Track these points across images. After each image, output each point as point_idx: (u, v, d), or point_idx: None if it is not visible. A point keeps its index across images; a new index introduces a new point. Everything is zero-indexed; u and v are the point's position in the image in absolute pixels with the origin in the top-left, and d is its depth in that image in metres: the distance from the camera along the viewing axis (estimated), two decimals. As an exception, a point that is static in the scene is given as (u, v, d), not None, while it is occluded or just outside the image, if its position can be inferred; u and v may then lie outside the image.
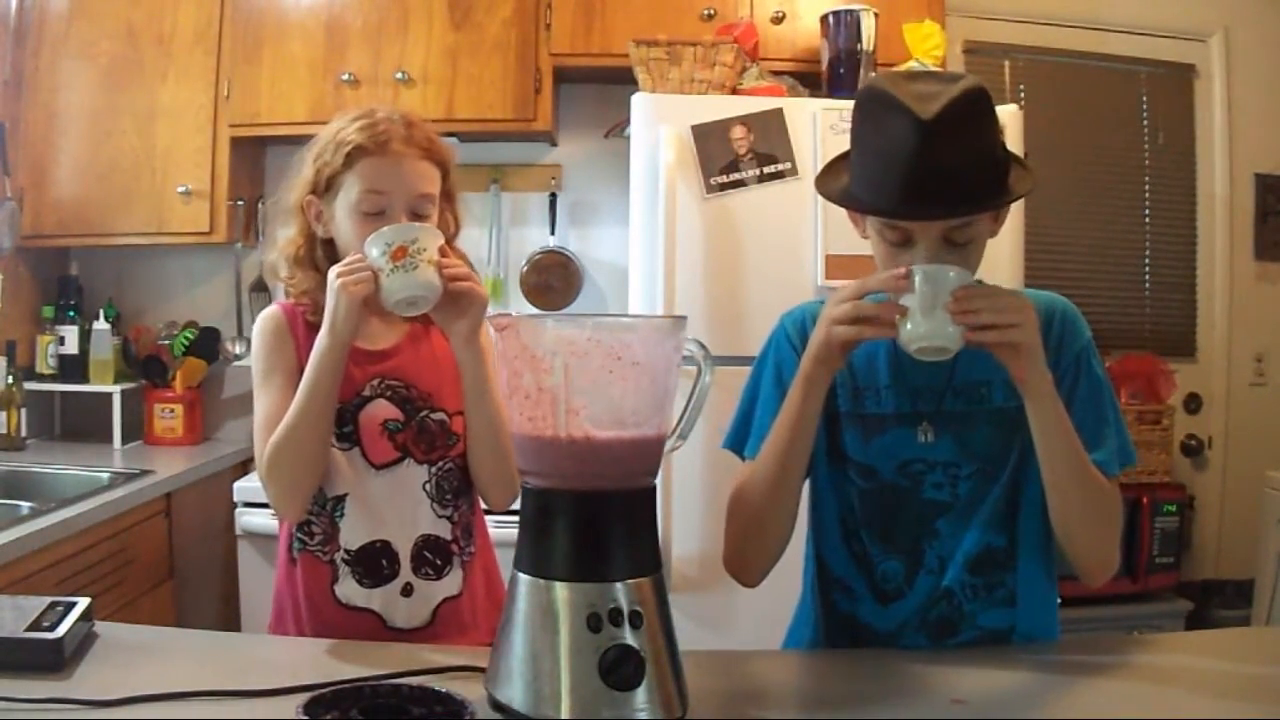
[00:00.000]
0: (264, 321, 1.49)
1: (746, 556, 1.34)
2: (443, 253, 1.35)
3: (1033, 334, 1.17)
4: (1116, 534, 1.30)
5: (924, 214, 1.20)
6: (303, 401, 1.37)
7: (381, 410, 1.46)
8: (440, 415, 1.48)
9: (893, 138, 1.17)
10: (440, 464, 1.48)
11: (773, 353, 1.40)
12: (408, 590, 1.45)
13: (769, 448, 1.29)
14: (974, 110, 1.19)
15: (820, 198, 2.48)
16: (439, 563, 1.47)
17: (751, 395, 1.42)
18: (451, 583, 1.48)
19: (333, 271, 1.35)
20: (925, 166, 1.16)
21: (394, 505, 1.45)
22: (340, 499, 1.45)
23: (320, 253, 1.48)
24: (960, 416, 1.31)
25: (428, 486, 1.47)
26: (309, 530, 1.46)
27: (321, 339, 1.36)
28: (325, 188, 1.45)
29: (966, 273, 1.19)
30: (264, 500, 2.54)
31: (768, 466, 1.29)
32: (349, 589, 1.44)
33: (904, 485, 1.32)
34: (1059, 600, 1.38)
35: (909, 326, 1.16)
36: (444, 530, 1.48)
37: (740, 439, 1.40)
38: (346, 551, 1.44)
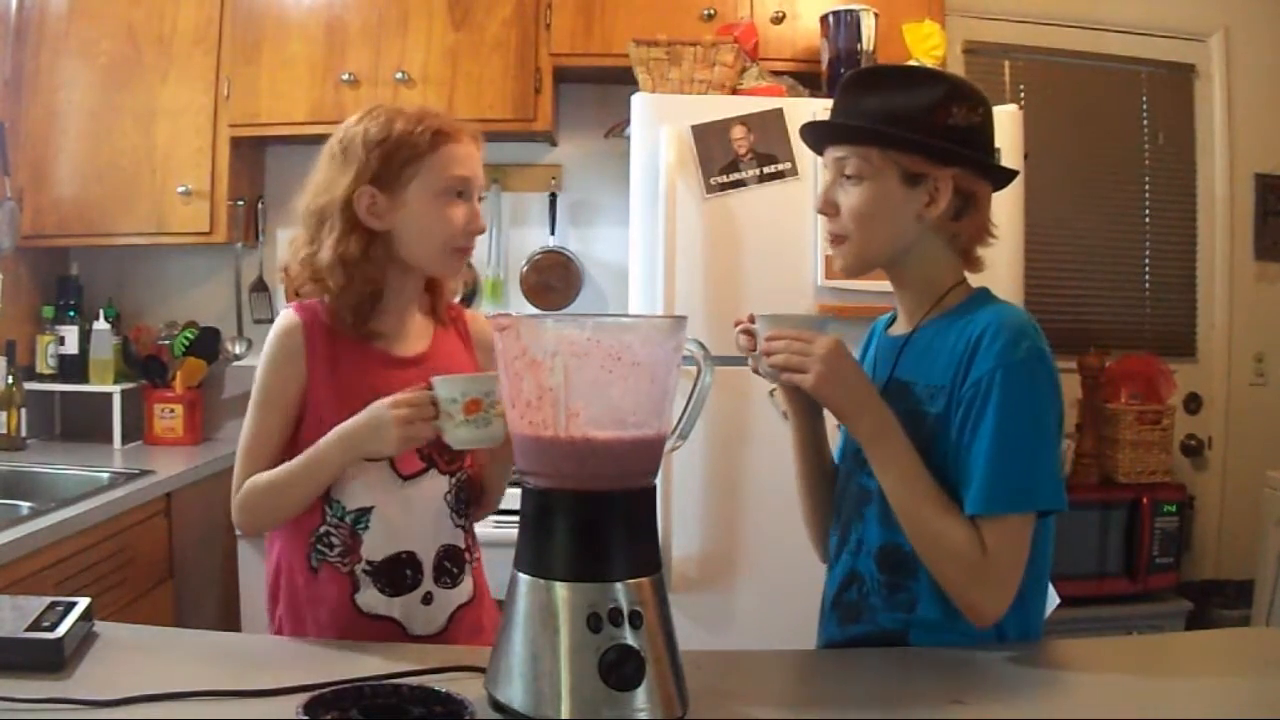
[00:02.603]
0: (279, 334, 1.45)
1: (810, 535, 1.53)
2: None
3: (814, 382, 1.25)
4: (966, 581, 1.22)
5: (806, 138, 1.41)
6: (296, 482, 1.39)
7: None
8: None
9: None
10: (458, 474, 1.49)
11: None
12: (428, 599, 1.45)
13: None
14: (894, 76, 1.36)
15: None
16: (455, 571, 1.48)
17: None
18: (465, 589, 1.49)
19: (386, 403, 1.33)
20: (835, 103, 1.37)
21: (420, 516, 1.45)
22: (365, 511, 1.43)
23: (373, 247, 1.44)
24: (901, 415, 1.30)
25: (448, 497, 1.48)
26: (328, 542, 1.44)
27: (334, 448, 1.36)
28: (395, 174, 1.42)
29: (788, 318, 1.33)
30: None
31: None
32: (370, 598, 1.43)
33: (853, 470, 1.38)
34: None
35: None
36: (460, 539, 1.49)
37: None
38: (369, 563, 1.43)
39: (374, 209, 1.42)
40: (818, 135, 1.38)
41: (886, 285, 1.42)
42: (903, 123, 1.29)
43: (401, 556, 1.44)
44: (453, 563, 1.47)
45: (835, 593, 1.40)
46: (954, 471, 1.25)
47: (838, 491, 1.44)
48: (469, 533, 1.51)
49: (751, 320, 1.34)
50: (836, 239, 1.35)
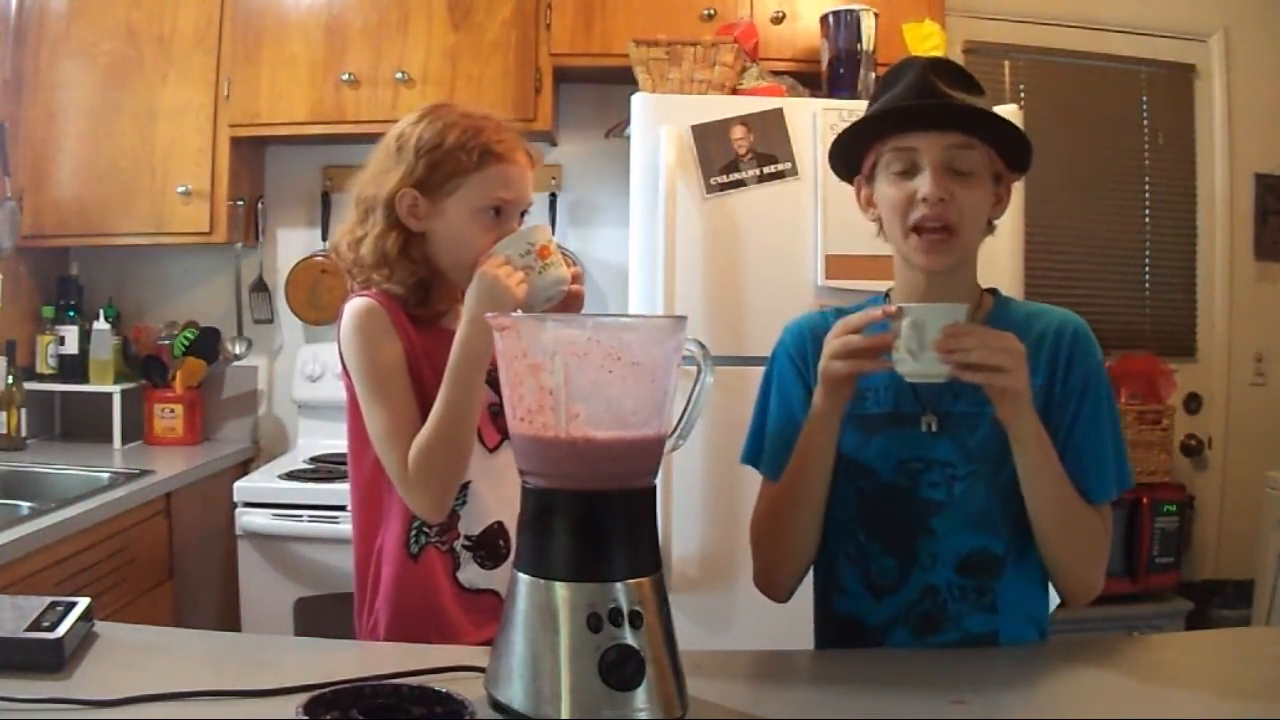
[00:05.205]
0: (370, 317, 1.45)
1: (776, 577, 1.39)
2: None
3: (1020, 380, 1.19)
4: (1100, 561, 1.32)
5: (928, 117, 1.26)
6: (461, 399, 1.39)
7: (486, 395, 1.47)
8: None
9: (899, 77, 1.31)
10: None
11: (775, 368, 1.44)
12: None
13: (788, 475, 1.34)
14: (970, 77, 1.31)
15: (821, 198, 2.50)
16: None
17: (762, 410, 1.45)
18: None
19: (484, 271, 1.39)
20: (928, 86, 1.26)
21: (505, 486, 1.47)
22: (463, 487, 1.47)
23: (414, 249, 1.48)
24: (959, 417, 1.32)
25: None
26: (428, 524, 1.47)
27: (472, 339, 1.38)
28: (439, 184, 1.46)
29: (959, 308, 1.20)
30: (264, 500, 2.59)
31: (788, 493, 1.35)
32: (471, 573, 1.48)
33: (902, 484, 1.33)
34: (1049, 609, 1.40)
35: (900, 360, 1.19)
36: None
37: (756, 454, 1.44)
38: (467, 538, 1.48)
39: (414, 210, 1.47)
40: (941, 117, 1.27)
41: (883, 285, 1.42)
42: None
43: (494, 528, 1.49)
44: None
45: (906, 611, 1.33)
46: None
47: (875, 517, 1.34)
48: None
49: (896, 314, 1.19)
50: (945, 230, 1.27)
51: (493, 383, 1.46)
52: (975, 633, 1.31)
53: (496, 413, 1.48)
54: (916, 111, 1.27)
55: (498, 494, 1.49)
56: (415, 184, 1.46)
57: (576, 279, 1.47)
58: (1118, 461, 1.31)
